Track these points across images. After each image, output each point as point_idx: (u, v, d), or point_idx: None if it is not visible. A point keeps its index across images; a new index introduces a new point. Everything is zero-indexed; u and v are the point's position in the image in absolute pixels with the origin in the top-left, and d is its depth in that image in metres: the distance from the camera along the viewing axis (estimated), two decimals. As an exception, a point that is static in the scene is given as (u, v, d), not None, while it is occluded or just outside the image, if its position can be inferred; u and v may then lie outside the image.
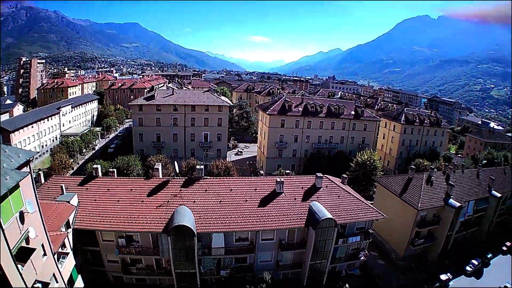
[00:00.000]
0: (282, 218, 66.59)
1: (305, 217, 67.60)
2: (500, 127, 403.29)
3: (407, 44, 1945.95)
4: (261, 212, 66.80)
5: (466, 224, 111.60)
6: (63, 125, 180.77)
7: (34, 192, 39.66)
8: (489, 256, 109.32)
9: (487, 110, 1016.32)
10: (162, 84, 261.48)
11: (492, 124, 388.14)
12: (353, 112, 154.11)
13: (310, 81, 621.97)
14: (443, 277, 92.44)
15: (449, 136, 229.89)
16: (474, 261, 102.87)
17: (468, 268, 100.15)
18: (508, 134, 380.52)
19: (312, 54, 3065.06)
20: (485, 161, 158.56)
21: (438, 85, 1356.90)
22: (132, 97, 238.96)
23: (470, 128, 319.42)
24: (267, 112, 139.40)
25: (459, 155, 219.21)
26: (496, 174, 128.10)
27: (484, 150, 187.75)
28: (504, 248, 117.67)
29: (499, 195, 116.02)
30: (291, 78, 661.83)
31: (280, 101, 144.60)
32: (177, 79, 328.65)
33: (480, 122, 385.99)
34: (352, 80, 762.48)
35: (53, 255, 44.16)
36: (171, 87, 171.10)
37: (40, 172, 76.80)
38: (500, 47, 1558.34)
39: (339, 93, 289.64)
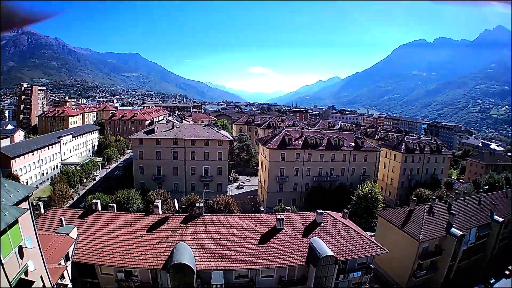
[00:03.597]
0: (282, 255, 66.08)
1: (306, 254, 67.12)
2: (500, 148, 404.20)
3: (405, 69, 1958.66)
4: (261, 249, 66.32)
5: (469, 251, 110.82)
6: (64, 154, 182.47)
7: (34, 227, 39.86)
8: (492, 281, 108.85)
9: (487, 131, 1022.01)
10: (163, 117, 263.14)
11: (492, 146, 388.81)
12: (353, 144, 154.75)
13: (310, 111, 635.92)
14: None
15: (450, 162, 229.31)
16: None
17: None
18: (508, 154, 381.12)
19: (311, 84, 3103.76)
20: (486, 186, 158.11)
21: (437, 110, 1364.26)
22: (133, 128, 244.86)
23: (471, 151, 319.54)
24: (267, 146, 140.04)
25: (461, 180, 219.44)
26: (498, 199, 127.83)
27: (486, 174, 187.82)
28: (507, 272, 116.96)
29: (501, 219, 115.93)
30: (291, 109, 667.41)
31: (280, 134, 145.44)
32: (177, 111, 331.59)
33: (480, 144, 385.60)
34: (352, 109, 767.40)
35: (52, 287, 44.21)
36: (171, 121, 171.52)
37: (40, 202, 77.76)
38: (497, 65, 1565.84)
39: (339, 123, 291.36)
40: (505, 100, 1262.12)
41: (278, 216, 71.99)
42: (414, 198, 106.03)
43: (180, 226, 68.31)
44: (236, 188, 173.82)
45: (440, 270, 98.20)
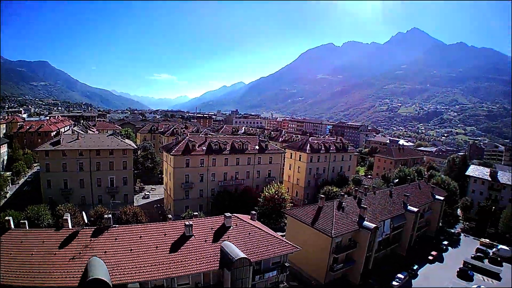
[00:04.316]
0: (195, 261, 64.87)
1: (218, 259, 66.45)
2: (410, 143, 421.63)
3: (311, 73, 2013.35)
4: (174, 258, 64.59)
5: (386, 242, 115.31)
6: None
7: None
8: (415, 267, 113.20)
9: (396, 128, 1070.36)
10: (68, 127, 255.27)
11: (401, 142, 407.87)
12: (257, 147, 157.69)
13: (214, 117, 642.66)
14: None
15: (357, 159, 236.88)
16: (400, 275, 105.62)
17: (394, 283, 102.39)
18: (419, 148, 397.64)
19: (215, 89, 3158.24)
20: (397, 180, 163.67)
21: (343, 110, 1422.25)
22: (39, 140, 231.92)
23: (378, 148, 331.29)
24: (171, 153, 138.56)
25: (369, 176, 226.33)
26: (410, 190, 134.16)
27: (395, 168, 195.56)
28: (430, 257, 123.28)
29: (415, 209, 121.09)
30: (195, 115, 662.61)
31: (183, 141, 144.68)
32: (82, 121, 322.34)
33: (388, 141, 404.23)
34: (255, 114, 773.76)
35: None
36: (76, 131, 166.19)
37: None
38: (408, 65, 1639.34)
39: (243, 128, 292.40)
40: (414, 98, 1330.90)
41: (186, 223, 70.97)
42: (322, 196, 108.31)
43: (91, 240, 65.27)
44: (142, 198, 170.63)
45: (357, 261, 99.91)
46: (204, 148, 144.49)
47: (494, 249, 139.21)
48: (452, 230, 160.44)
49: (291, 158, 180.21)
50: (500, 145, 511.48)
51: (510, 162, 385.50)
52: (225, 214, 76.23)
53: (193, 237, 69.69)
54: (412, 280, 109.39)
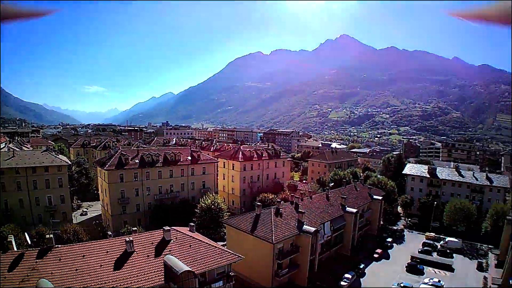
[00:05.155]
0: (140, 277, 64.57)
1: (163, 273, 66.39)
2: (343, 146, 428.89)
3: (239, 81, 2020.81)
4: (118, 276, 63.86)
5: (328, 244, 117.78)
6: None
7: None
8: (361, 266, 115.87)
9: (327, 133, 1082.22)
10: (4, 144, 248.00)
11: (333, 145, 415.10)
12: (189, 157, 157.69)
13: (144, 129, 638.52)
14: None
15: (290, 165, 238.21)
16: (347, 275, 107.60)
17: (343, 283, 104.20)
18: (353, 150, 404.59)
19: (144, 101, 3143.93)
20: (332, 183, 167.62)
21: (273, 118, 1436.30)
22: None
23: (311, 152, 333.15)
24: (105, 168, 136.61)
25: (304, 181, 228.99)
26: (347, 192, 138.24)
27: (330, 172, 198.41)
28: (376, 255, 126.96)
29: (354, 210, 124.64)
30: (126, 128, 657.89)
31: (116, 155, 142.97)
32: (17, 137, 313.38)
33: (320, 145, 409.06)
34: (186, 125, 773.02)
35: None
36: (12, 148, 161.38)
37: None
38: (338, 71, 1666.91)
39: (174, 139, 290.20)
40: (345, 103, 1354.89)
41: (127, 239, 70.40)
42: (259, 203, 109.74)
43: (36, 262, 63.66)
44: (80, 215, 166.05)
45: (302, 265, 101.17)
46: (137, 161, 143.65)
47: (441, 242, 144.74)
48: (395, 227, 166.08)
49: (224, 167, 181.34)
50: (437, 142, 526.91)
51: (448, 158, 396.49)
52: (164, 227, 75.89)
53: (135, 253, 69.17)
54: (361, 279, 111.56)
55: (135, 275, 64.37)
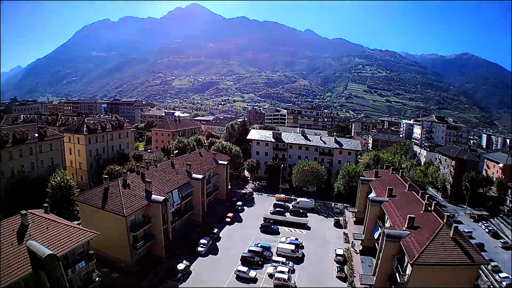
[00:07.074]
0: (11, 268, 61.32)
1: (29, 260, 64.38)
2: (186, 114, 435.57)
3: (85, 51, 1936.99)
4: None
5: (179, 212, 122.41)
6: None
7: None
8: (215, 231, 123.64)
9: (170, 101, 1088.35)
10: None
11: (177, 113, 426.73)
12: (36, 135, 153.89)
13: None
14: (181, 266, 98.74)
15: (134, 135, 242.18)
16: (203, 241, 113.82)
17: (200, 249, 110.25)
18: (196, 118, 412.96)
19: None
20: (176, 151, 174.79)
21: (117, 87, 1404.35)
22: None
23: (155, 122, 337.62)
24: None
25: (149, 150, 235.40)
26: (192, 159, 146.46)
27: (174, 140, 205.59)
28: (228, 219, 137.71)
29: (200, 176, 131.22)
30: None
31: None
32: None
33: (164, 114, 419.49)
34: (33, 99, 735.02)
35: None
36: None
37: None
38: (183, 40, 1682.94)
39: (22, 116, 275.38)
40: (189, 71, 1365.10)
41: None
42: (106, 176, 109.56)
43: None
44: None
45: (157, 235, 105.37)
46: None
47: (293, 203, 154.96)
48: (243, 191, 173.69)
49: (70, 142, 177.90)
50: (283, 109, 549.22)
51: (294, 124, 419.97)
52: (20, 212, 72.99)
53: (-1, 244, 65.97)
54: (217, 243, 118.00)
55: (4, 266, 61.02)
